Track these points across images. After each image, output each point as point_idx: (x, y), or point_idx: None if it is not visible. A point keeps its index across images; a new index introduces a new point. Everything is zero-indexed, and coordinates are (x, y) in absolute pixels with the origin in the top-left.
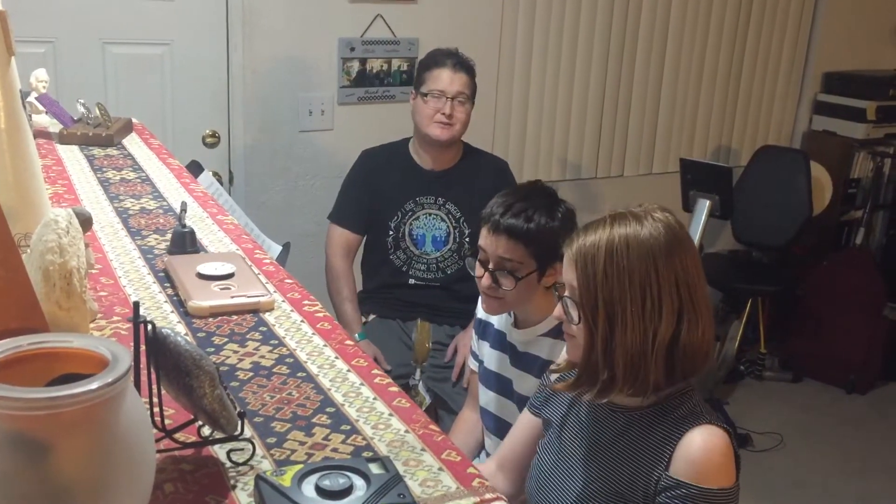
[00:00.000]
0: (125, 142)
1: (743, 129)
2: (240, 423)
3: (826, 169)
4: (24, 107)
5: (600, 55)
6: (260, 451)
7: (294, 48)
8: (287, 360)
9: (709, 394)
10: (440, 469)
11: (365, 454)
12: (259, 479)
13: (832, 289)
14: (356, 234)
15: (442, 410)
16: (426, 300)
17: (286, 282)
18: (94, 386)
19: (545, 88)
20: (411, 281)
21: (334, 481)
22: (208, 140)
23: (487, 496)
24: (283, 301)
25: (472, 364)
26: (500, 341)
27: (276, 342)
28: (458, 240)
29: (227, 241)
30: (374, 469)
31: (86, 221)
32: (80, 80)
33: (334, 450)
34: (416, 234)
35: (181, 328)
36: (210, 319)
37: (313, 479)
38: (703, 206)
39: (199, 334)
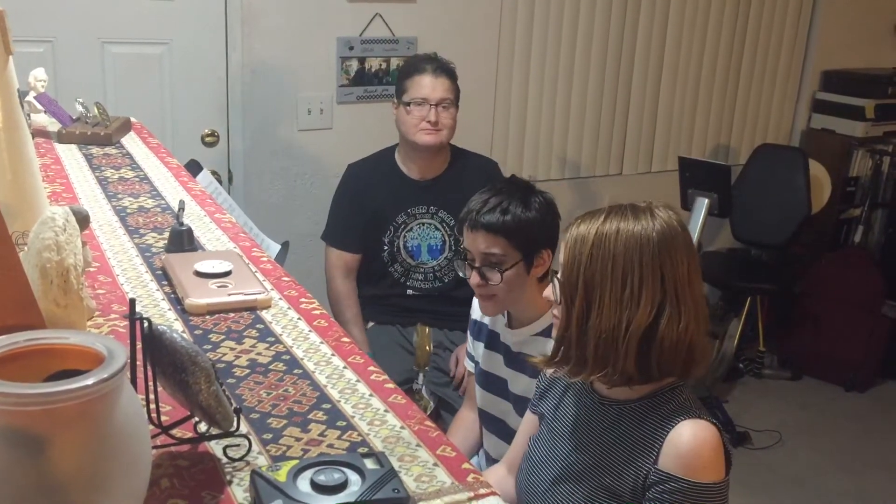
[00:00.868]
0: (124, 141)
1: (742, 128)
2: (236, 419)
3: (825, 167)
4: (23, 106)
5: (599, 53)
6: (256, 447)
7: (293, 47)
8: (284, 357)
9: (707, 391)
10: (435, 464)
11: (360, 450)
12: (254, 474)
13: (831, 287)
14: (353, 255)
15: (446, 413)
16: (425, 305)
17: (283, 280)
18: (89, 382)
19: (544, 87)
20: (409, 291)
21: (329, 476)
22: (207, 139)
23: (482, 491)
24: (280, 299)
25: (469, 365)
26: (493, 342)
27: (273, 339)
28: (453, 248)
29: (225, 239)
30: (369, 464)
31: (83, 220)
32: (79, 79)
33: (330, 445)
34: (411, 246)
35: (178, 326)
36: (207, 317)
37: (308, 474)
38: (702, 204)
39: (196, 332)
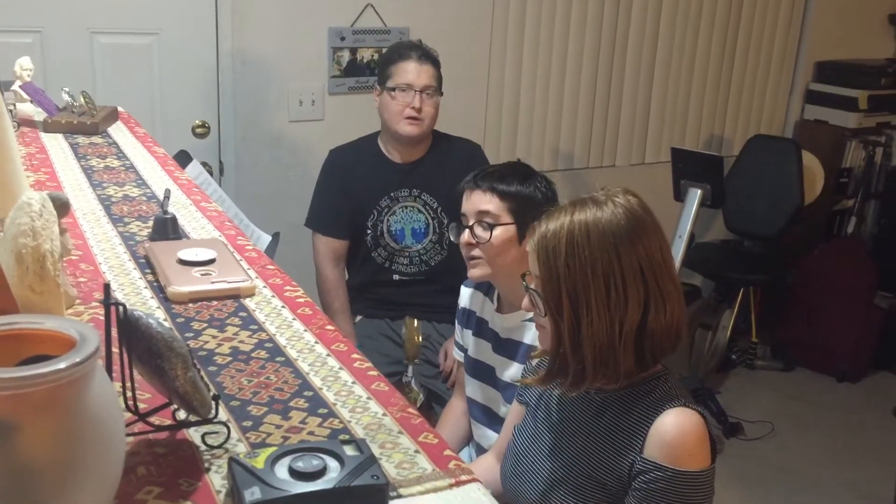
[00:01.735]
0: (111, 130)
1: (735, 119)
2: (214, 406)
3: (818, 158)
4: (3, 95)
5: (592, 44)
6: (235, 434)
7: (283, 38)
8: (266, 344)
9: (700, 383)
10: (416, 451)
11: (342, 437)
12: (232, 461)
13: (824, 278)
14: (341, 241)
15: (437, 406)
16: (413, 297)
17: (268, 268)
18: (61, 366)
19: (537, 78)
20: (395, 276)
21: (308, 463)
22: (198, 130)
23: (463, 478)
24: (265, 287)
25: (458, 355)
26: (482, 329)
27: (256, 327)
28: (437, 230)
29: (210, 227)
30: (349, 451)
31: (62, 206)
32: (67, 69)
33: (311, 433)
34: (395, 230)
35: (160, 314)
36: (190, 305)
37: (287, 460)
38: (695, 195)
39: (178, 319)
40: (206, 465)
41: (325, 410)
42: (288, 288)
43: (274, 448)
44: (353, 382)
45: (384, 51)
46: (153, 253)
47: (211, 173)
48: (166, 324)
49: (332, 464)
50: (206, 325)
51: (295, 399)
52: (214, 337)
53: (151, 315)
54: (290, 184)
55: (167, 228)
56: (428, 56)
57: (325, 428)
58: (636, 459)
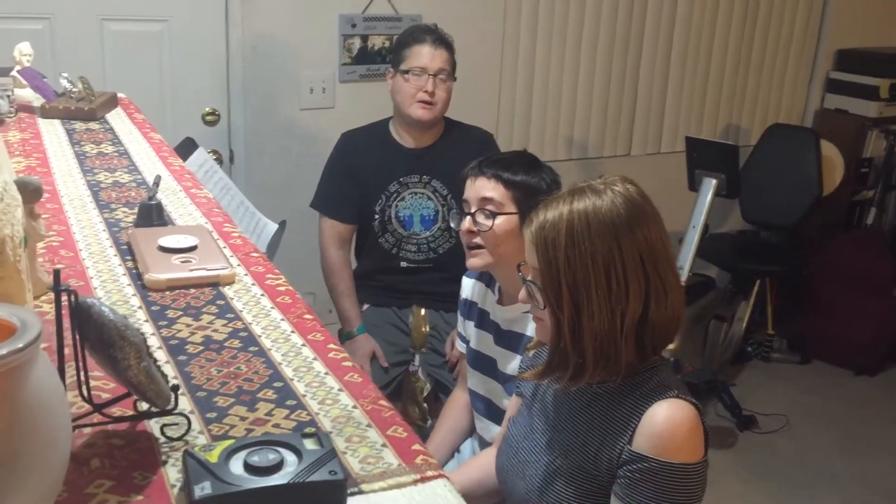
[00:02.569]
0: (109, 117)
1: (753, 108)
2: (174, 396)
3: (838, 148)
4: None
5: (607, 31)
6: (197, 426)
7: (294, 25)
8: (241, 333)
9: (713, 374)
10: (383, 445)
11: (308, 430)
12: (187, 454)
13: (842, 269)
14: (347, 225)
15: (443, 395)
16: (420, 285)
17: (252, 255)
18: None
19: (550, 66)
20: (403, 264)
21: (263, 457)
22: (208, 118)
23: (429, 473)
24: (246, 275)
25: (460, 346)
26: (483, 321)
27: (233, 316)
28: (446, 218)
29: (198, 214)
30: (309, 445)
31: (34, 191)
32: (77, 56)
33: (276, 425)
34: (403, 216)
35: (135, 301)
36: (167, 293)
37: (243, 454)
38: (709, 185)
39: (153, 307)
40: (164, 458)
41: (294, 402)
42: (270, 276)
43: (231, 441)
44: (326, 373)
45: (398, 35)
46: (135, 239)
47: (221, 161)
48: (140, 312)
49: (290, 458)
50: (181, 313)
51: (263, 390)
52: (188, 325)
53: (103, 303)
54: (300, 172)
55: (152, 215)
56: (442, 40)
57: (292, 420)
58: (623, 449)
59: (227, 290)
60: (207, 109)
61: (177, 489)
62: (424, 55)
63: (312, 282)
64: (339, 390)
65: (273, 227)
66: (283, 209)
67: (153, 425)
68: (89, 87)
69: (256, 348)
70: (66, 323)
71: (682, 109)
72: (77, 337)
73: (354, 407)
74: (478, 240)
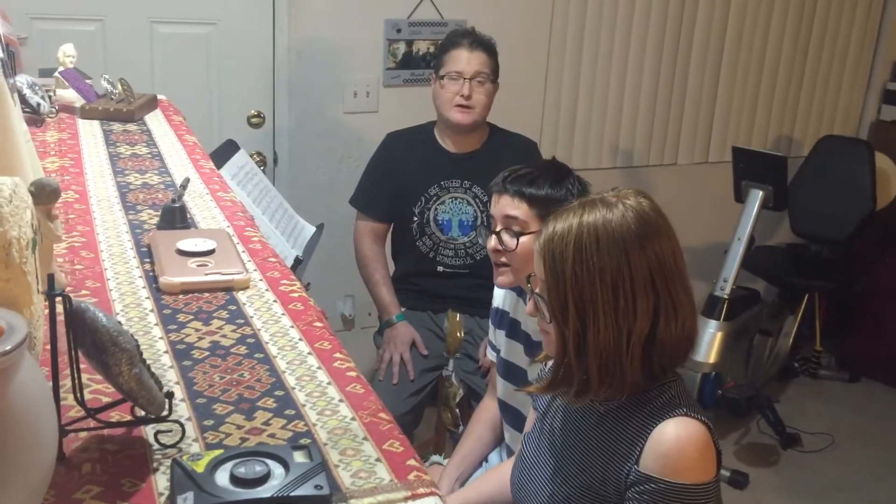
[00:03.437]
0: (148, 118)
1: (806, 118)
2: (168, 403)
3: (894, 161)
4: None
5: (656, 37)
6: (193, 433)
7: (340, 29)
8: (248, 340)
9: (755, 390)
10: (377, 460)
11: (303, 441)
12: (175, 463)
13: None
14: (381, 224)
15: (475, 402)
16: (456, 291)
17: (269, 260)
18: None
19: (597, 71)
20: (439, 268)
21: (250, 469)
22: (253, 120)
23: (421, 490)
24: (261, 280)
25: (491, 355)
26: (514, 331)
27: (243, 321)
28: (486, 224)
29: (221, 217)
30: (298, 457)
31: (51, 193)
32: (127, 57)
33: (271, 435)
34: (442, 220)
35: (148, 304)
36: (181, 296)
37: (230, 465)
38: (756, 196)
39: (164, 311)
40: (156, 465)
41: (293, 412)
42: (285, 282)
43: (220, 451)
44: (329, 383)
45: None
46: (155, 242)
47: (265, 163)
48: (152, 315)
49: (278, 471)
50: (192, 317)
51: (264, 399)
52: (197, 330)
53: (97, 307)
54: (343, 175)
55: (175, 217)
56: (480, 43)
57: (288, 431)
58: (631, 469)
59: (241, 295)
60: (253, 112)
61: (164, 498)
62: (461, 59)
63: (352, 284)
64: (340, 401)
65: (311, 229)
66: (326, 212)
67: (149, 431)
68: (129, 88)
69: (262, 355)
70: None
71: (732, 118)
72: (72, 341)
73: (353, 419)
74: (504, 258)
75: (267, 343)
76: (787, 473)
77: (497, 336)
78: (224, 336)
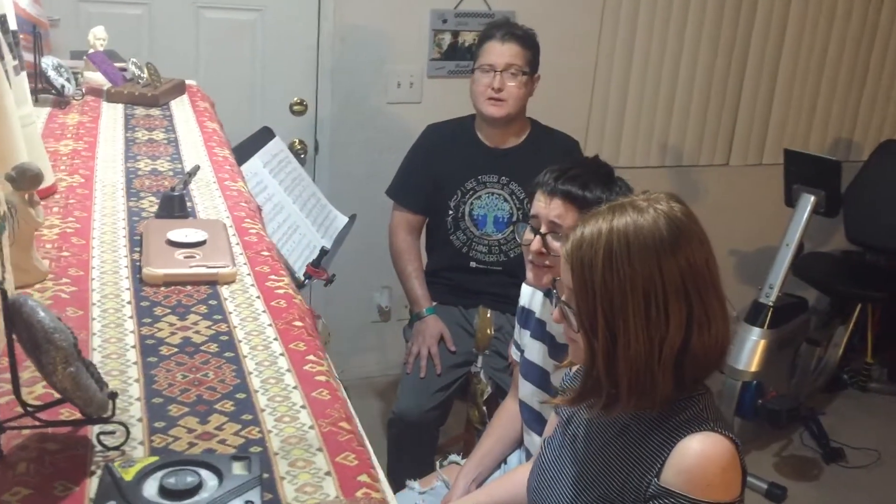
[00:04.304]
0: (174, 103)
1: (868, 122)
2: (110, 404)
3: None
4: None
5: (712, 31)
6: (141, 435)
7: (385, 18)
8: (222, 337)
9: (797, 402)
10: (327, 474)
11: (254, 449)
12: (106, 468)
13: None
14: (417, 216)
15: (503, 400)
16: (489, 287)
17: (262, 254)
18: None
19: (648, 67)
20: (472, 264)
21: (181, 479)
22: (295, 108)
23: None
24: (248, 274)
25: (515, 354)
26: (540, 331)
27: (220, 317)
28: (523, 220)
29: (223, 208)
30: (237, 469)
31: (32, 178)
32: (173, 42)
33: (222, 441)
34: (477, 215)
35: (127, 295)
36: (162, 289)
37: (161, 474)
38: (807, 201)
39: (142, 303)
40: (94, 468)
41: (250, 417)
42: (273, 277)
43: (155, 458)
44: (294, 387)
45: None
46: (147, 231)
47: (305, 151)
48: (128, 307)
49: (211, 482)
50: (168, 311)
51: (223, 401)
52: (171, 325)
53: (37, 302)
54: (383, 165)
55: (173, 206)
56: (513, 35)
57: (241, 437)
58: (651, 482)
59: (224, 290)
60: (295, 99)
61: None
62: (493, 51)
63: (390, 275)
64: (302, 407)
65: (343, 220)
66: (365, 202)
67: (94, 432)
68: (156, 73)
69: (232, 354)
70: None
71: (790, 119)
72: (12, 336)
73: (311, 427)
74: (547, 261)
75: (240, 341)
76: (827, 489)
77: (522, 336)
78: (197, 332)
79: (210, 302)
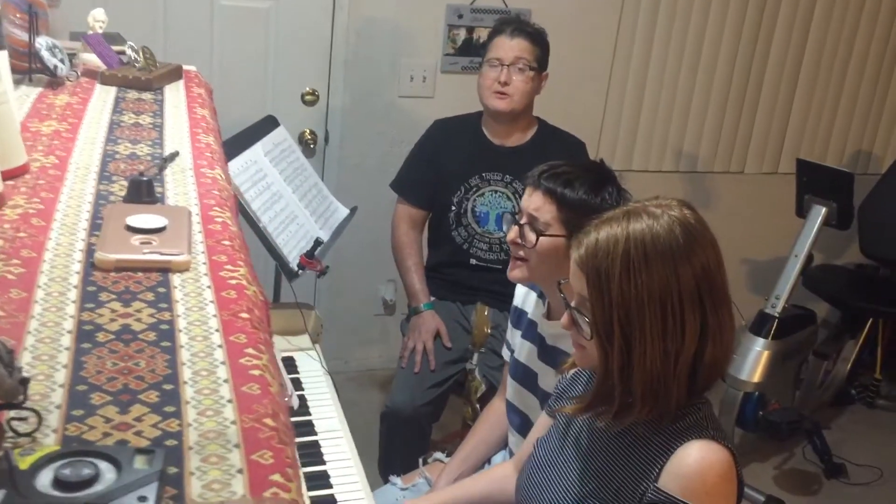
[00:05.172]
0: (168, 88)
1: (888, 133)
2: (22, 389)
3: None
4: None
5: (732, 36)
6: (56, 423)
7: (400, 12)
8: (161, 326)
9: (798, 415)
10: (239, 471)
11: (169, 442)
12: (5, 455)
13: None
14: (420, 210)
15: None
16: (488, 284)
17: (223, 243)
18: None
19: (665, 70)
20: (472, 261)
21: (76, 471)
22: (307, 98)
23: None
24: (204, 263)
25: (505, 354)
26: (531, 332)
27: (165, 306)
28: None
29: (194, 195)
30: (138, 462)
31: None
32: (187, 29)
33: (138, 433)
34: (479, 212)
35: (75, 279)
36: (112, 273)
37: (58, 464)
38: (818, 213)
39: (89, 288)
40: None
41: (173, 409)
42: (228, 267)
43: (56, 447)
44: (225, 381)
45: None
46: (109, 215)
47: (316, 141)
48: (73, 291)
49: (108, 475)
50: (114, 297)
51: (148, 392)
52: (114, 311)
53: None
54: (393, 158)
55: (141, 191)
56: (522, 30)
57: (157, 430)
58: (649, 488)
59: (175, 278)
60: (307, 89)
61: None
62: (501, 46)
63: (395, 269)
64: (228, 401)
65: (344, 211)
66: (374, 194)
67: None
68: (152, 57)
69: (169, 344)
70: None
71: (808, 128)
72: None
73: (233, 422)
74: (522, 252)
75: (180, 331)
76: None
77: (514, 335)
78: (139, 320)
79: (159, 289)
